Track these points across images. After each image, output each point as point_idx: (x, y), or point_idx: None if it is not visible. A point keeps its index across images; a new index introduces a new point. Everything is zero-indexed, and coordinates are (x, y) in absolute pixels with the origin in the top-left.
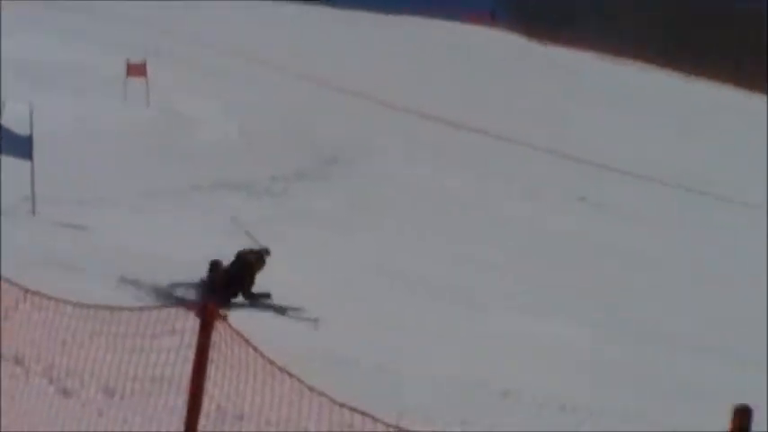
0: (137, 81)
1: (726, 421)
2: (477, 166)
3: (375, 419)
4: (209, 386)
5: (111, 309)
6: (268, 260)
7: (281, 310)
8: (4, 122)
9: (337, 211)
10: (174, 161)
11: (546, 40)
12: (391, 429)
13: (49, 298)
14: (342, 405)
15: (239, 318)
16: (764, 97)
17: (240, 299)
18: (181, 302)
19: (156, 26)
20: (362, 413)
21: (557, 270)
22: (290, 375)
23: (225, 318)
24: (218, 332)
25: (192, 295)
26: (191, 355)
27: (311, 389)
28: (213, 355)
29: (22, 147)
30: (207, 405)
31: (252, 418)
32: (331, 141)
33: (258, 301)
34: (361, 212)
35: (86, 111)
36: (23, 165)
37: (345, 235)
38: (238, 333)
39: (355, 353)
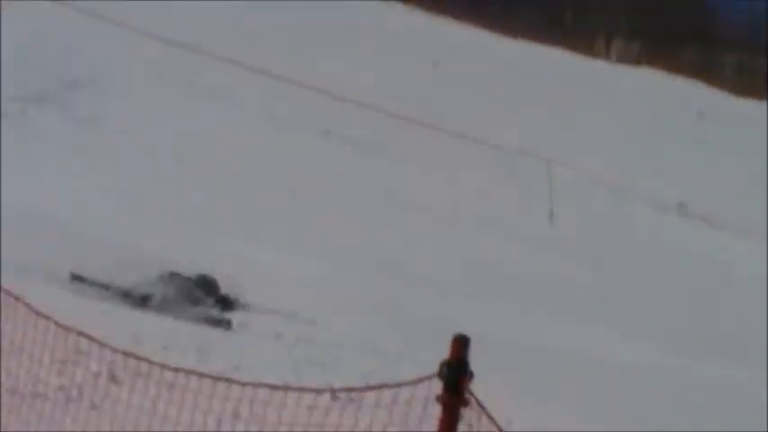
0: None
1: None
2: (220, 95)
3: (102, 344)
4: None
5: None
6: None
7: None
8: None
9: (74, 134)
10: None
11: None
12: (119, 354)
13: None
14: (69, 329)
15: None
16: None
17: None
18: None
19: None
20: (91, 338)
21: (299, 203)
22: (17, 299)
23: None
24: None
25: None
26: None
27: (38, 314)
28: None
29: None
30: None
31: None
32: (72, 65)
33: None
34: (99, 136)
35: None
36: None
37: (82, 158)
38: None
39: (93, 277)
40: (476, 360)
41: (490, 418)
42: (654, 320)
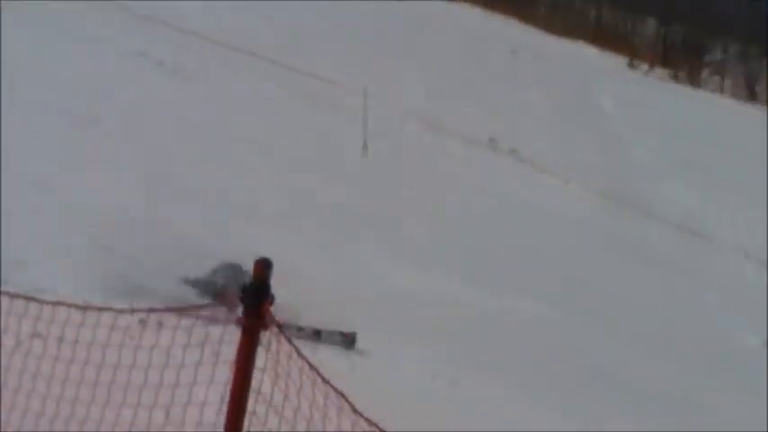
0: None
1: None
2: (33, 18)
3: None
4: None
5: None
6: None
7: None
8: None
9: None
10: None
11: None
12: None
13: None
14: None
15: None
16: None
17: None
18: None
19: None
20: None
21: (101, 128)
22: None
23: None
24: None
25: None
26: None
27: None
28: None
29: None
30: None
31: None
32: None
33: None
34: None
35: None
36: None
37: None
38: None
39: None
40: (282, 288)
41: (289, 342)
42: (462, 254)
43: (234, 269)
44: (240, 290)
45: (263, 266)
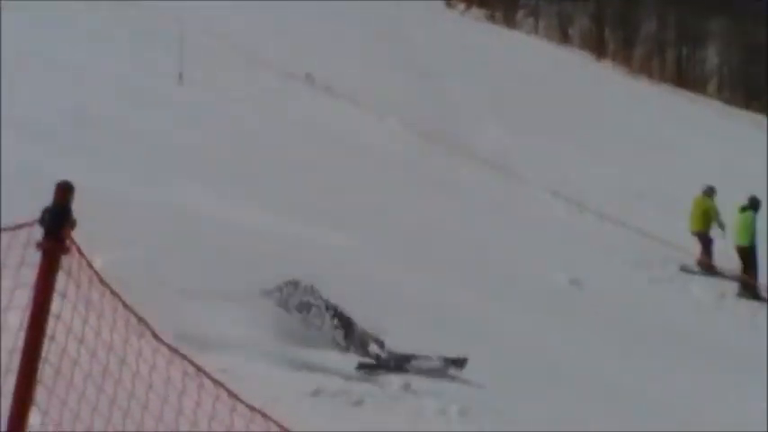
0: None
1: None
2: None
3: None
4: None
5: None
6: None
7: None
8: None
9: None
10: None
11: None
12: None
13: None
14: None
15: None
16: None
17: None
18: None
19: None
20: None
21: None
22: None
23: None
24: None
25: None
26: None
27: None
28: None
29: None
30: None
31: None
32: None
33: None
34: None
35: None
36: None
37: None
38: None
39: None
40: (85, 213)
41: (90, 266)
42: (274, 185)
43: (295, 285)
44: (41, 212)
45: (64, 191)
